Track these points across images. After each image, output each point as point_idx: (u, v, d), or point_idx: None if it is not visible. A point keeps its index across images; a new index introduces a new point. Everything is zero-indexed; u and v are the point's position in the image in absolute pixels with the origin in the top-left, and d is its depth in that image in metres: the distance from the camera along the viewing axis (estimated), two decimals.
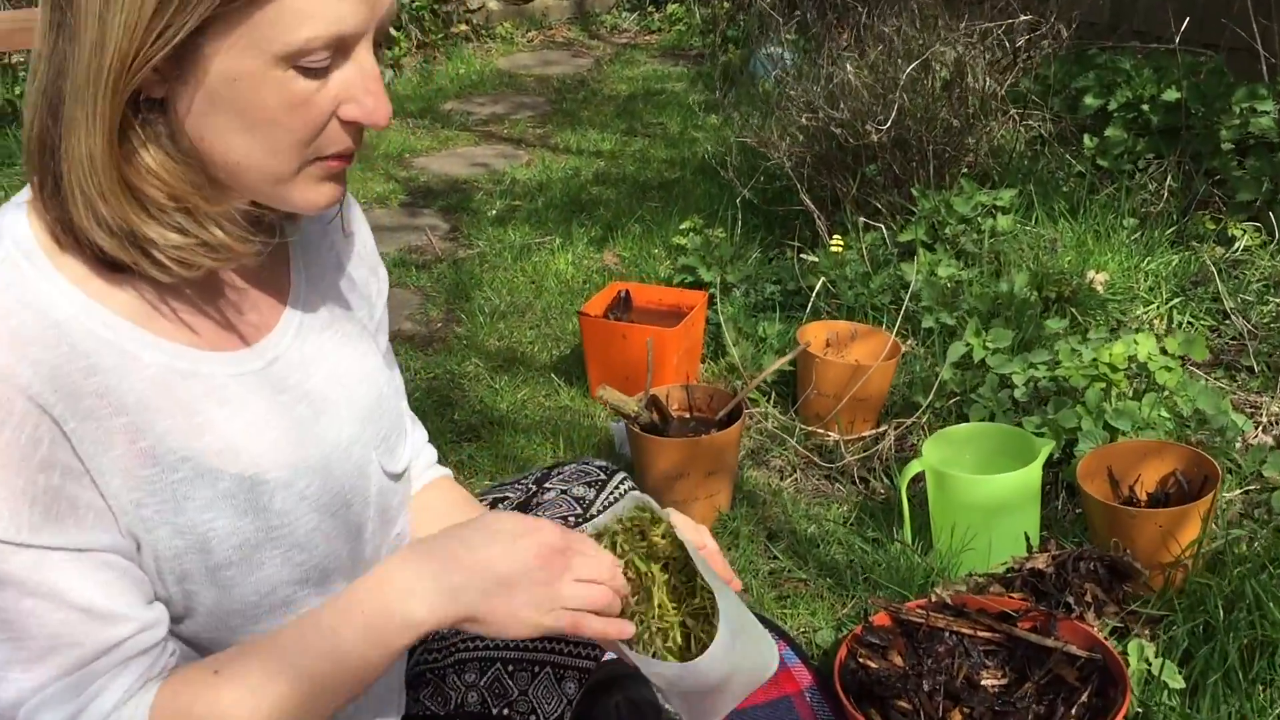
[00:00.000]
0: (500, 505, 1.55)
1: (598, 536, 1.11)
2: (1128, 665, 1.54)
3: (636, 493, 1.15)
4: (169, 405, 0.94)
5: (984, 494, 1.86)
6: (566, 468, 1.61)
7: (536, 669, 1.45)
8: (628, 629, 1.05)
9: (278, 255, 1.07)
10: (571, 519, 1.51)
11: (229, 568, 0.97)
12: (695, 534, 1.18)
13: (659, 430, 2.11)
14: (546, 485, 1.58)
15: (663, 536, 1.11)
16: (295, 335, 1.07)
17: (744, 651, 1.08)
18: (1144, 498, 1.95)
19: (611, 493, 1.56)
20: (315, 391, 1.07)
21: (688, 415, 2.22)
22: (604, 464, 1.61)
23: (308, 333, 1.08)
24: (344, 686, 0.98)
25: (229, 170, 0.92)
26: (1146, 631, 1.70)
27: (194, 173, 0.92)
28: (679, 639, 1.10)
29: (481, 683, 1.41)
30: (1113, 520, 1.82)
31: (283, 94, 0.89)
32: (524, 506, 1.54)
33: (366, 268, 1.21)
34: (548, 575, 1.00)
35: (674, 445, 2.05)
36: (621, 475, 1.59)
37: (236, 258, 0.96)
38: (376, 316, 1.22)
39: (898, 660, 1.63)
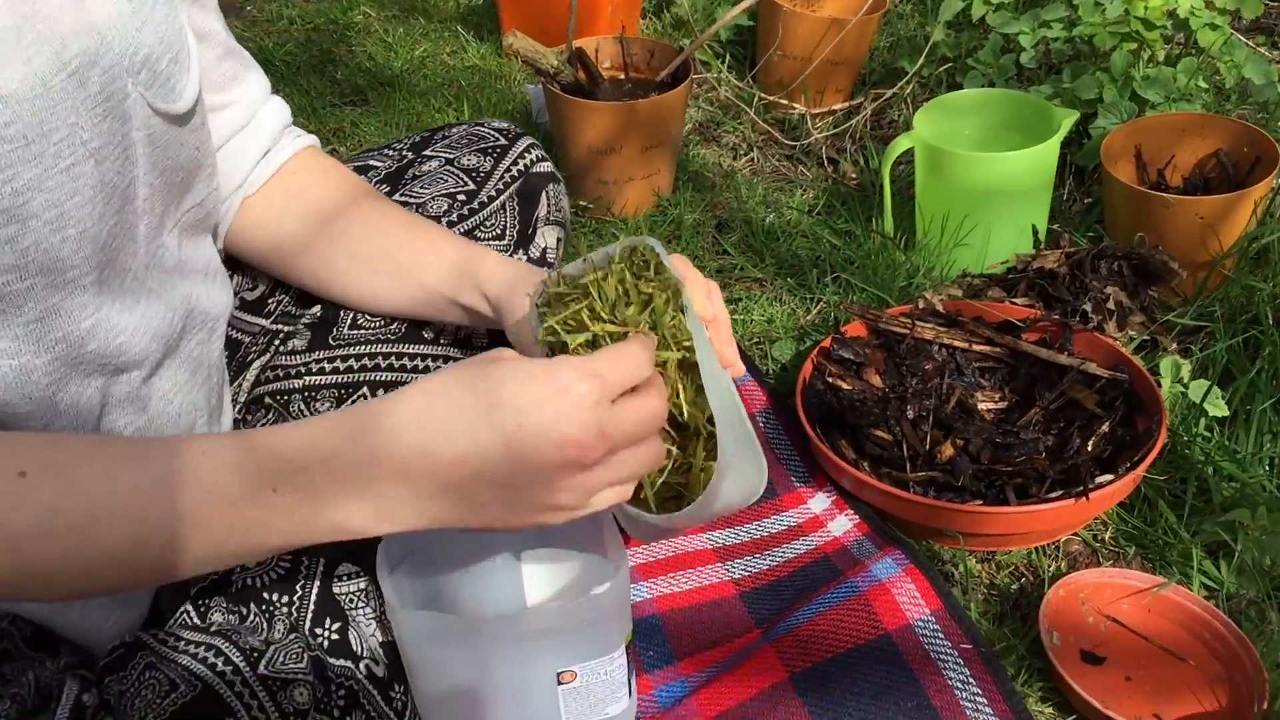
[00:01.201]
0: (365, 177, 1.16)
1: (579, 292, 0.83)
2: (1160, 388, 1.23)
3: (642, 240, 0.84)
4: None
5: (989, 176, 1.50)
6: (455, 130, 1.21)
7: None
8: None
9: None
10: (460, 197, 1.13)
11: None
12: (705, 298, 0.88)
13: (585, 92, 1.69)
14: (426, 153, 1.18)
15: (669, 309, 0.80)
16: None
17: (732, 487, 0.79)
18: (1178, 184, 1.60)
19: (514, 164, 1.17)
20: None
21: (622, 75, 1.79)
22: (505, 126, 1.21)
23: None
24: (154, 560, 0.69)
25: None
26: (1175, 345, 1.39)
27: None
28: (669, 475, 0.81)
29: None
30: (1143, 210, 1.47)
31: None
32: (394, 179, 1.15)
33: None
34: (578, 471, 0.69)
35: (604, 111, 1.63)
36: (528, 142, 1.19)
37: None
38: None
39: (875, 380, 1.31)
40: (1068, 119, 1.51)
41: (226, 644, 0.86)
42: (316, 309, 1.11)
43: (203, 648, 0.84)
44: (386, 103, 1.94)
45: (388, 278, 1.03)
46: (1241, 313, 1.39)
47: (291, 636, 0.90)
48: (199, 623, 0.90)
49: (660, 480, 0.80)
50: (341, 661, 0.91)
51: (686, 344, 0.79)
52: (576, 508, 0.70)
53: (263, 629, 0.93)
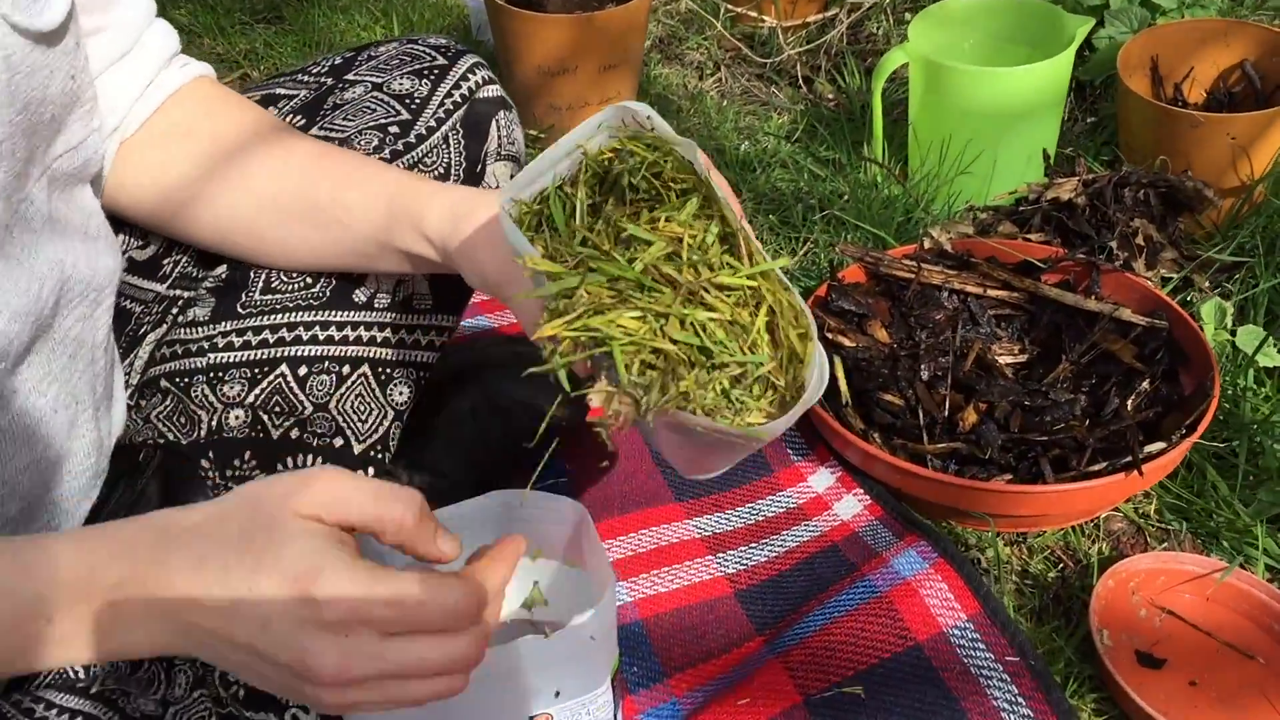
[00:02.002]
0: (273, 110, 0.95)
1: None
2: (1204, 335, 1.08)
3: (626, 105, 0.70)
4: None
5: (996, 94, 1.32)
6: (384, 49, 1.00)
7: (346, 369, 0.92)
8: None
9: None
10: (393, 129, 0.93)
11: None
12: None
13: (533, 3, 1.47)
14: (350, 77, 0.98)
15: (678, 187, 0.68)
16: None
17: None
18: (1197, 100, 1.44)
19: (456, 87, 0.97)
20: None
21: None
22: (443, 42, 1.00)
23: None
24: None
25: None
26: (1206, 284, 1.23)
27: None
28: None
29: (251, 396, 0.88)
30: (1165, 130, 1.31)
31: None
32: (311, 110, 0.95)
33: None
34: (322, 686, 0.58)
35: (555, 25, 1.42)
36: (472, 61, 0.99)
37: None
38: None
39: (881, 334, 1.14)
40: (1082, 27, 1.34)
41: (107, 711, 0.68)
42: (222, 269, 0.91)
43: (79, 718, 0.66)
44: (305, 20, 1.70)
45: (303, 223, 0.84)
46: None
47: (196, 694, 0.73)
48: (79, 675, 0.71)
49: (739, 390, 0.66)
50: (262, 714, 0.74)
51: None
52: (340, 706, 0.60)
53: (159, 682, 0.75)
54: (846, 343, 1.12)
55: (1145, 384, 1.06)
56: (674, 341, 0.65)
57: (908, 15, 1.80)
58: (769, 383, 0.68)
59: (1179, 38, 1.42)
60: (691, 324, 0.65)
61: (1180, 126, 1.29)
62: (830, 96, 1.65)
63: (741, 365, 0.67)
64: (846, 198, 1.37)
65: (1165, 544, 1.01)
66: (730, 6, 1.74)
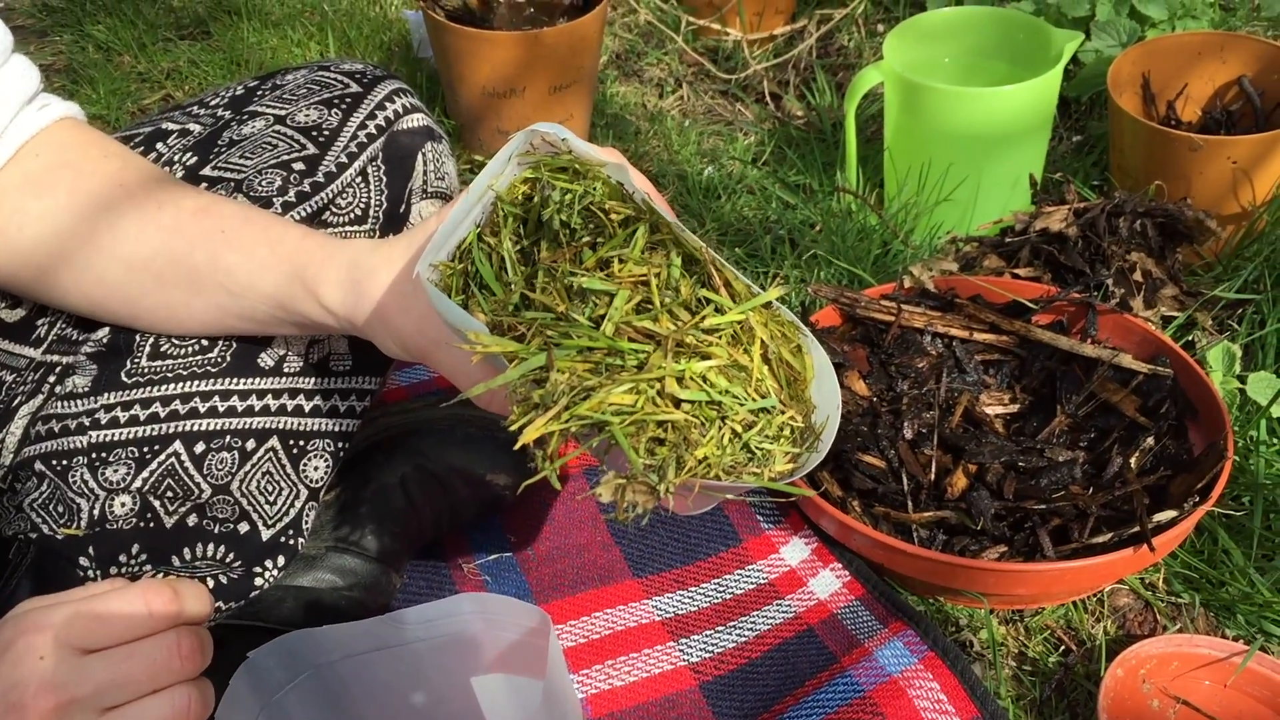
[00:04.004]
0: (159, 149, 0.84)
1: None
2: (1212, 383, 0.98)
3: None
4: None
5: (979, 116, 1.22)
6: (291, 76, 0.89)
7: (251, 444, 0.80)
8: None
9: None
10: (298, 167, 0.82)
11: None
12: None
13: (477, 19, 1.36)
14: (251, 109, 0.86)
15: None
16: None
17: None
18: (1192, 119, 1.34)
19: (371, 117, 0.85)
20: None
21: None
22: (359, 67, 0.89)
23: None
24: None
25: None
26: (1210, 323, 1.13)
27: None
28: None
29: (139, 480, 0.77)
30: (1161, 153, 1.21)
31: None
32: (204, 148, 0.83)
33: None
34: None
35: (500, 44, 1.31)
36: (392, 87, 0.88)
37: None
38: None
39: (859, 386, 1.03)
40: (1071, 42, 1.24)
41: None
42: (103, 333, 0.80)
43: None
44: (233, 36, 1.58)
45: (183, 289, 0.72)
46: None
47: None
48: None
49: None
50: None
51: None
52: None
53: None
54: None
55: (1150, 440, 0.96)
56: (679, 404, 0.55)
57: (880, 26, 1.70)
58: (781, 413, 0.59)
59: (1172, 52, 1.33)
60: (692, 379, 0.56)
61: (1178, 150, 1.20)
62: (799, 114, 1.54)
63: (755, 413, 0.57)
64: (819, 228, 1.26)
65: (1177, 623, 0.91)
66: (692, 19, 1.63)
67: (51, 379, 0.80)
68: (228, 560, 0.80)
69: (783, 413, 0.59)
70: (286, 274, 0.70)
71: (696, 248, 0.59)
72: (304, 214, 0.81)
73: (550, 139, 0.61)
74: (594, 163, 0.60)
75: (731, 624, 0.91)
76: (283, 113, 0.82)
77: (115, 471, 0.77)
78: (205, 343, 0.79)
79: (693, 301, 0.59)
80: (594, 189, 0.61)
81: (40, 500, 0.77)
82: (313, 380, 0.82)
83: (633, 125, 1.48)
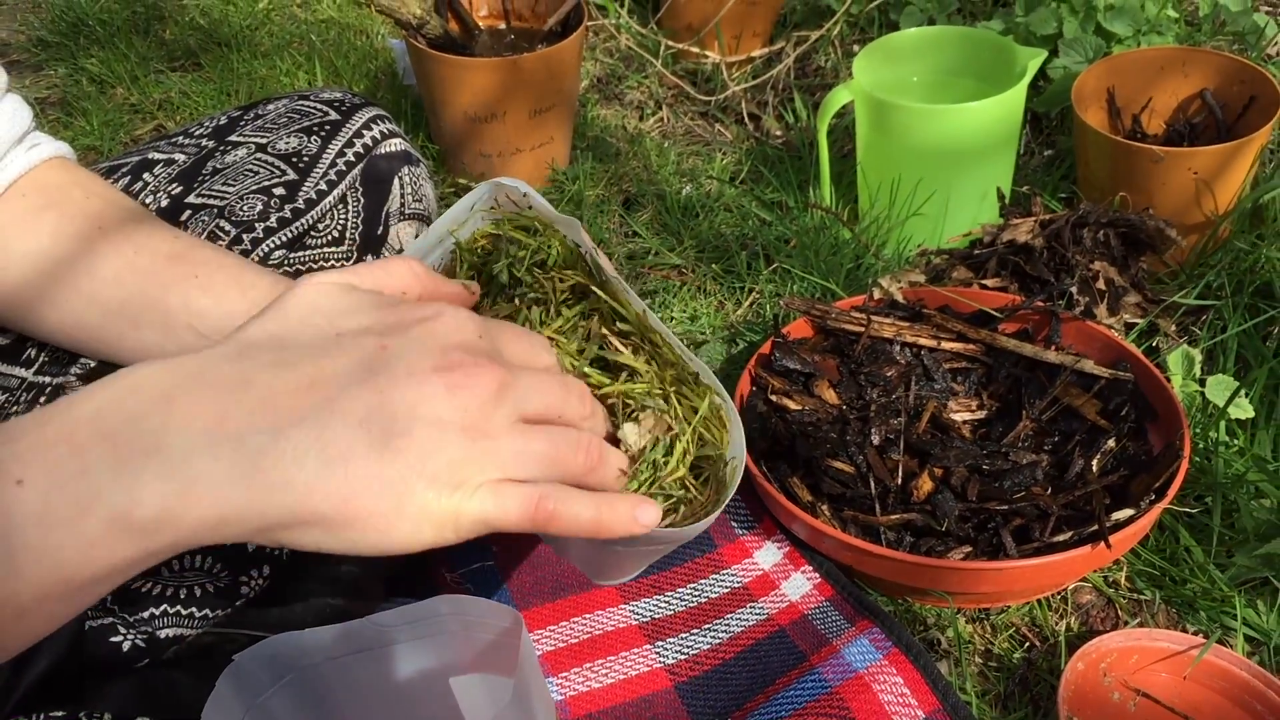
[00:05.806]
0: (146, 179, 0.87)
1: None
2: (1171, 387, 1.01)
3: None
4: None
5: (946, 131, 1.25)
6: (272, 106, 0.92)
7: None
8: (649, 513, 0.56)
9: None
10: (278, 192, 0.85)
11: None
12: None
13: (458, 47, 1.40)
14: (233, 139, 0.90)
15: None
16: None
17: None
18: (1156, 131, 1.38)
19: (350, 144, 0.89)
20: None
21: (502, 25, 1.50)
22: (338, 95, 0.92)
23: None
24: None
25: None
26: (1173, 329, 1.16)
27: None
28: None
29: None
30: (1124, 165, 1.24)
31: None
32: (188, 177, 0.86)
33: None
34: (468, 410, 0.52)
35: (479, 70, 1.35)
36: (370, 114, 0.91)
37: None
38: None
39: (829, 395, 1.06)
40: (1034, 59, 1.27)
41: None
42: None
43: None
44: (224, 66, 1.62)
45: (155, 331, 0.75)
46: (1247, 284, 1.17)
47: None
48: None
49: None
50: None
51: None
52: (477, 467, 0.52)
53: None
54: (792, 405, 1.04)
55: (1111, 442, 0.99)
56: None
57: (856, 47, 1.73)
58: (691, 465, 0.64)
59: (1136, 67, 1.36)
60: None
61: (1140, 162, 1.23)
62: (778, 134, 1.58)
63: (653, 467, 0.60)
64: (793, 243, 1.29)
65: (1138, 617, 0.94)
66: (671, 44, 1.67)
67: (43, 399, 0.83)
68: (214, 570, 0.82)
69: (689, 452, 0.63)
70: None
71: (638, 312, 0.63)
72: (286, 238, 0.84)
73: (513, 195, 0.64)
74: (551, 219, 0.63)
75: (706, 626, 0.94)
76: (264, 141, 0.86)
77: None
78: None
79: (593, 376, 0.63)
80: (548, 246, 0.64)
81: None
82: None
83: (613, 147, 1.52)
